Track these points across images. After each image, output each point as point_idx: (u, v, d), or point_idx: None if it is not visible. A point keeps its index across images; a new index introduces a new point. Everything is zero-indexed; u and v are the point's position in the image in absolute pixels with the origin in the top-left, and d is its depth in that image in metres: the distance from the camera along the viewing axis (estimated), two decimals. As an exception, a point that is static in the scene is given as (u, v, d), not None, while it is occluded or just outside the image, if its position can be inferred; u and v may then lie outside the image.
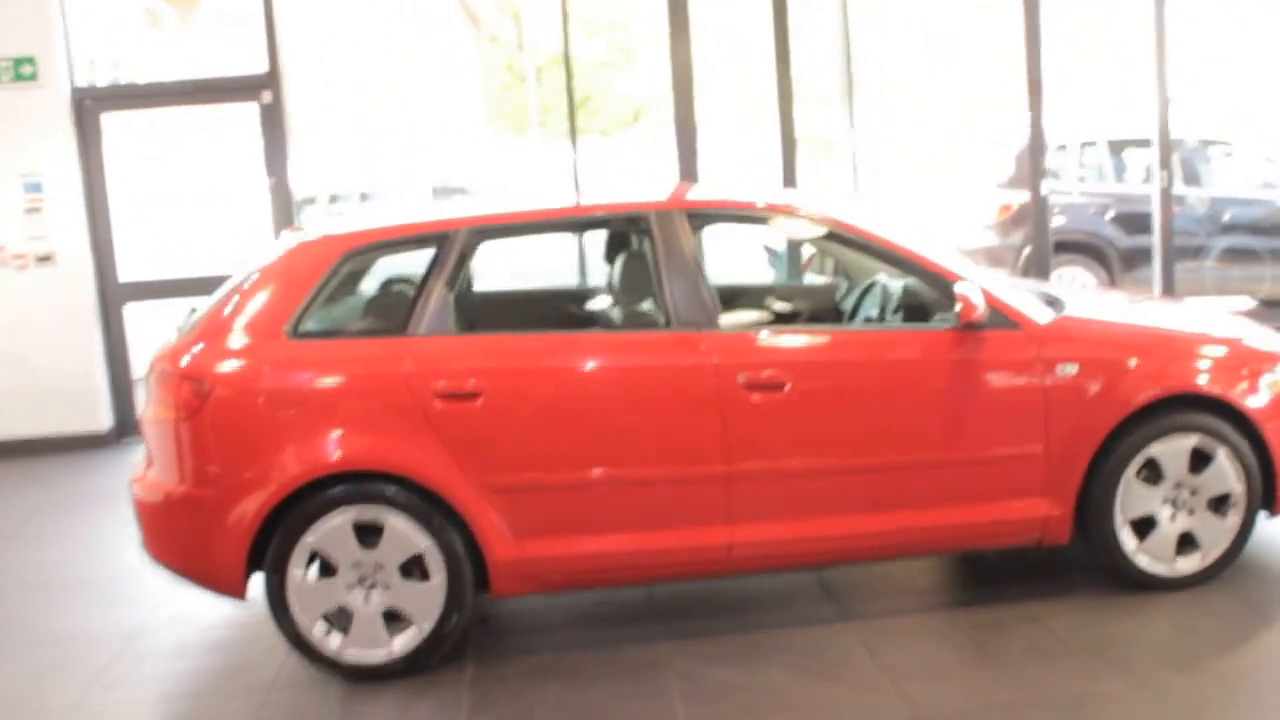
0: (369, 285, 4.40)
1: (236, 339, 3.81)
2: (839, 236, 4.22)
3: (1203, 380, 4.02)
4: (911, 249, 4.08)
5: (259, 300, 3.86)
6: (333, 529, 3.74)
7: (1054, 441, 3.94)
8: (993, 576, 4.37)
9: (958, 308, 3.86)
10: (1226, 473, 4.04)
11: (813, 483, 3.91)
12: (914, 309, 4.19)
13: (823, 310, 4.91)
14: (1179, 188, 8.71)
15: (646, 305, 4.09)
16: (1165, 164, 8.17)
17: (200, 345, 3.83)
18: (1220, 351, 4.11)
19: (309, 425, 3.73)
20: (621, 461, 3.84)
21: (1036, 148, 7.90)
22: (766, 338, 3.97)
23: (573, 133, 7.94)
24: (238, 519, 3.73)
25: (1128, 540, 4.03)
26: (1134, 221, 8.99)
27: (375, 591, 3.77)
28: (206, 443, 3.76)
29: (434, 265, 3.92)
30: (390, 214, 4.56)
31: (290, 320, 3.81)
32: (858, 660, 3.71)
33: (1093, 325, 4.16)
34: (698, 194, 4.46)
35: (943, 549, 4.23)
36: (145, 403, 3.99)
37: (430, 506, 3.75)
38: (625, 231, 4.46)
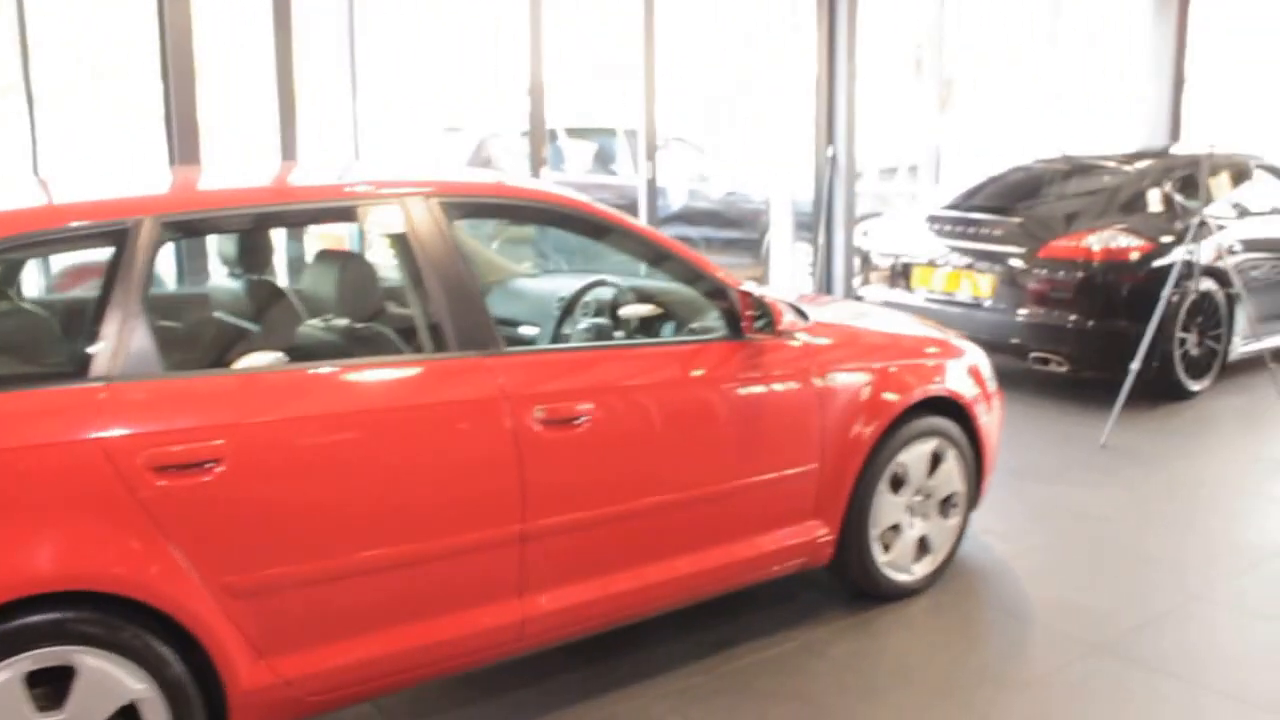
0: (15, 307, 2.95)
1: None
2: (606, 229, 3.58)
3: (944, 382, 4.07)
4: (681, 247, 3.63)
5: None
6: (-6, 693, 2.41)
7: (828, 456, 3.74)
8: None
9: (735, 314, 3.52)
10: (954, 474, 4.15)
11: (617, 530, 3.31)
12: (663, 318, 3.75)
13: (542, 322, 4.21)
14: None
15: (412, 323, 3.19)
16: (650, 155, 8.43)
17: None
18: (938, 352, 4.19)
19: None
20: (395, 533, 2.93)
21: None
22: (557, 359, 3.28)
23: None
24: None
25: (879, 553, 3.98)
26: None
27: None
28: None
29: (116, 273, 2.69)
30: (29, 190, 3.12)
31: None
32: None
33: (847, 332, 4.02)
34: (440, 177, 3.43)
35: (737, 582, 3.74)
36: None
37: (145, 632, 2.57)
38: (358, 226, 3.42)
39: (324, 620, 2.85)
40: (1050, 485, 5.29)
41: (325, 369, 2.94)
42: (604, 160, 9.51)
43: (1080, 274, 6.24)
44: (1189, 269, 6.09)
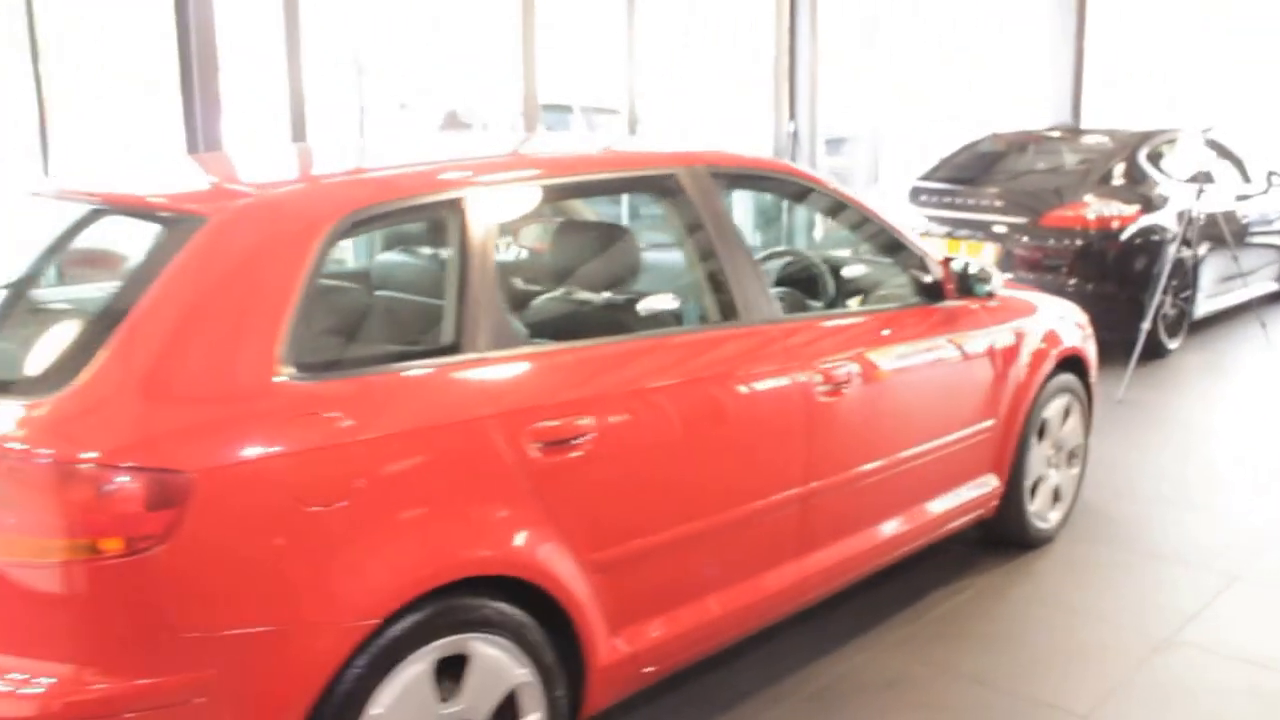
0: (365, 276, 2.73)
1: (195, 390, 2.14)
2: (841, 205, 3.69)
3: (1073, 341, 4.33)
4: (891, 223, 3.75)
5: (202, 311, 2.20)
6: (409, 684, 2.31)
7: (1003, 412, 3.95)
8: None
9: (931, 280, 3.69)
10: (1078, 426, 4.43)
11: (866, 489, 3.41)
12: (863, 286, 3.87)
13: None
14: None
15: (719, 291, 3.15)
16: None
17: (124, 410, 2.07)
18: (1064, 312, 4.45)
19: (362, 523, 2.24)
20: (720, 501, 2.96)
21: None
22: (832, 326, 3.35)
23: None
24: (272, 706, 2.14)
25: (1028, 502, 4.22)
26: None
27: (455, 766, 2.43)
28: (193, 589, 2.06)
29: (469, 246, 2.59)
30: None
31: (280, 344, 2.24)
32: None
33: (1012, 297, 4.19)
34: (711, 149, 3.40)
35: (941, 533, 3.90)
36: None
37: (529, 616, 2.51)
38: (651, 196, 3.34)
39: (660, 592, 2.85)
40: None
41: (659, 339, 2.95)
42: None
43: (1079, 241, 6.68)
44: (1188, 233, 6.64)
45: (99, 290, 2.48)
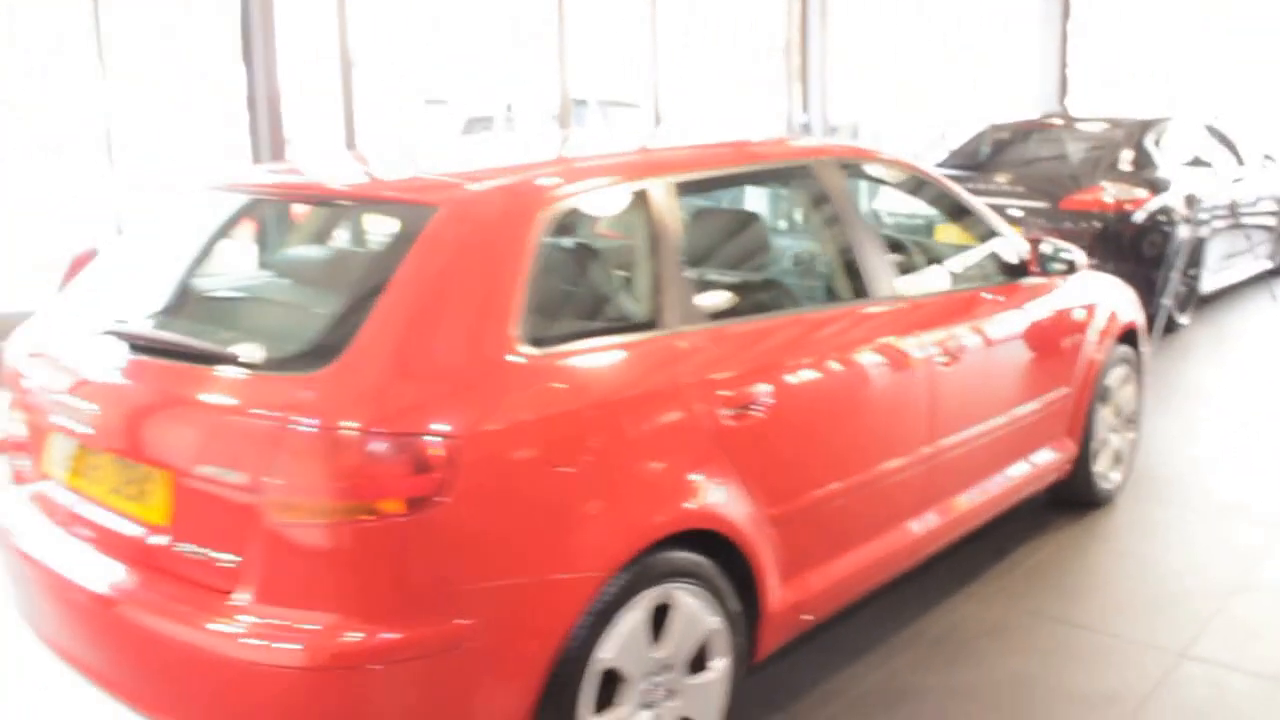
0: (575, 258, 2.96)
1: (444, 363, 2.36)
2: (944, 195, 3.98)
3: (1132, 313, 4.64)
4: (983, 207, 4.04)
5: (445, 292, 2.42)
6: (630, 630, 2.55)
7: (1077, 379, 4.25)
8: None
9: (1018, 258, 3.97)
10: (1134, 393, 4.74)
11: (971, 452, 3.69)
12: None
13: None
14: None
15: (858, 271, 3.42)
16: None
17: (389, 383, 2.29)
18: (1122, 286, 4.76)
19: (595, 482, 2.48)
20: (869, 459, 3.24)
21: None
22: (943, 302, 3.62)
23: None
24: (520, 653, 2.36)
25: (1095, 464, 4.52)
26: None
27: (664, 706, 2.67)
28: (458, 545, 2.29)
29: (653, 230, 2.83)
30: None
31: (514, 321, 2.46)
32: None
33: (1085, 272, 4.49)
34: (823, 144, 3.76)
35: (1027, 495, 4.19)
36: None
37: (719, 566, 2.76)
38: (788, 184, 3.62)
39: (818, 544, 3.11)
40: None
41: (819, 313, 3.24)
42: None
43: (1097, 223, 7.03)
44: (1202, 214, 7.02)
45: (340, 276, 2.70)
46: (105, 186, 5.57)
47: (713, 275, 3.21)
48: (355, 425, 2.22)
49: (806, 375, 3.01)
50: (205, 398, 2.40)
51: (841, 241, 3.35)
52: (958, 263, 3.96)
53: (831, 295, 3.42)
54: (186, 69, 6.70)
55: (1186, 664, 3.43)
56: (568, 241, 2.81)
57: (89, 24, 5.35)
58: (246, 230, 2.97)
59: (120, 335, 2.66)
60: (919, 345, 3.38)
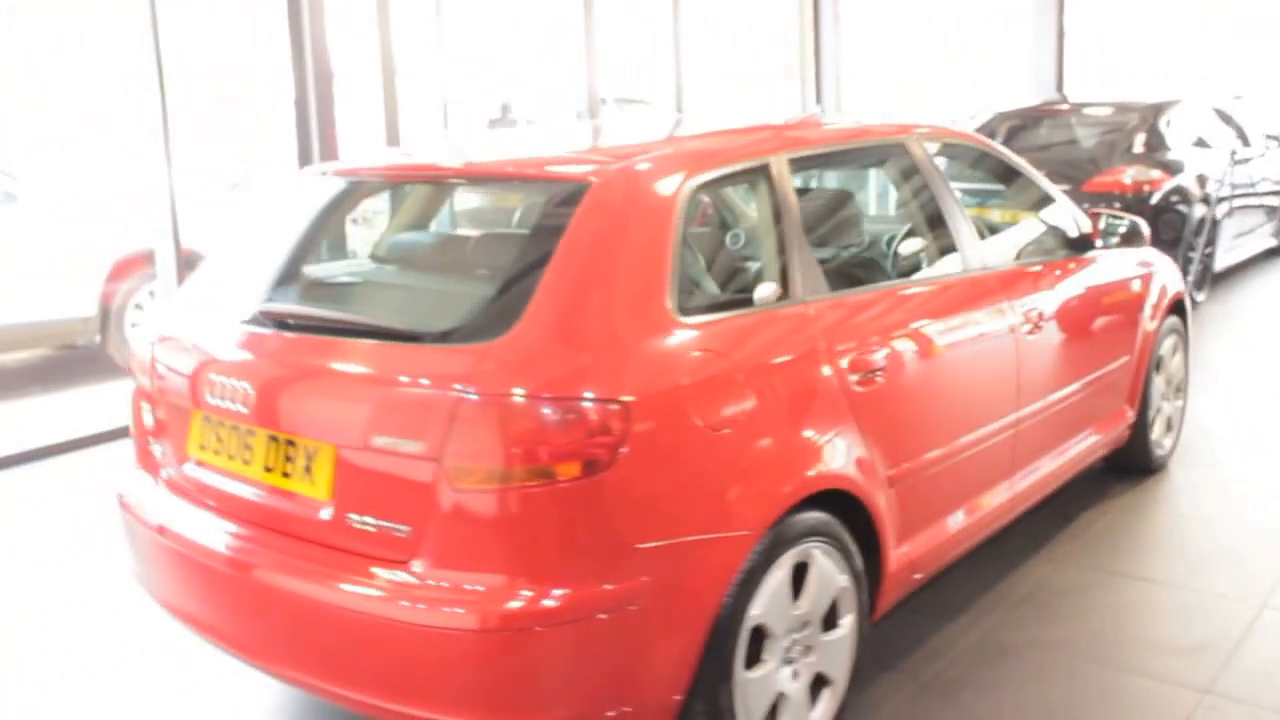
0: (715, 230, 3.05)
1: (607, 332, 2.46)
2: (1015, 172, 4.13)
3: (1180, 286, 4.80)
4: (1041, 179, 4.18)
5: (606, 264, 2.52)
6: (776, 587, 2.66)
7: (1135, 348, 4.40)
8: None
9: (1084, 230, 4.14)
10: (1182, 362, 4.90)
11: (1050, 418, 3.83)
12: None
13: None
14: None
15: (951, 244, 3.55)
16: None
17: (563, 348, 2.40)
18: (1168, 261, 4.92)
19: (749, 444, 2.59)
20: (968, 423, 3.38)
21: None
22: (1024, 273, 3.75)
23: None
24: (685, 611, 2.47)
25: (1151, 431, 4.68)
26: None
27: (802, 662, 2.78)
28: (629, 506, 2.39)
29: (779, 203, 2.95)
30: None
31: (668, 290, 2.56)
32: None
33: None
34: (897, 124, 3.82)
35: (1092, 462, 4.34)
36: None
37: (845, 527, 2.87)
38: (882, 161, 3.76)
39: (929, 505, 3.24)
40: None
41: (923, 284, 3.38)
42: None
43: (1118, 204, 7.20)
44: (1215, 194, 7.21)
45: (497, 251, 2.79)
46: (158, 187, 5.62)
47: (828, 248, 3.33)
48: (536, 392, 2.30)
49: (919, 343, 3.14)
50: (379, 372, 2.48)
51: (937, 215, 3.49)
52: (1028, 235, 4.09)
53: (931, 267, 3.55)
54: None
55: (1269, 613, 3.58)
56: (709, 214, 2.92)
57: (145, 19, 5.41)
58: (377, 211, 3.06)
59: (276, 316, 2.74)
60: (1010, 314, 3.52)
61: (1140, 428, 4.57)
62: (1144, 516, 4.41)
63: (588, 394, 2.34)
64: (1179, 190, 7.42)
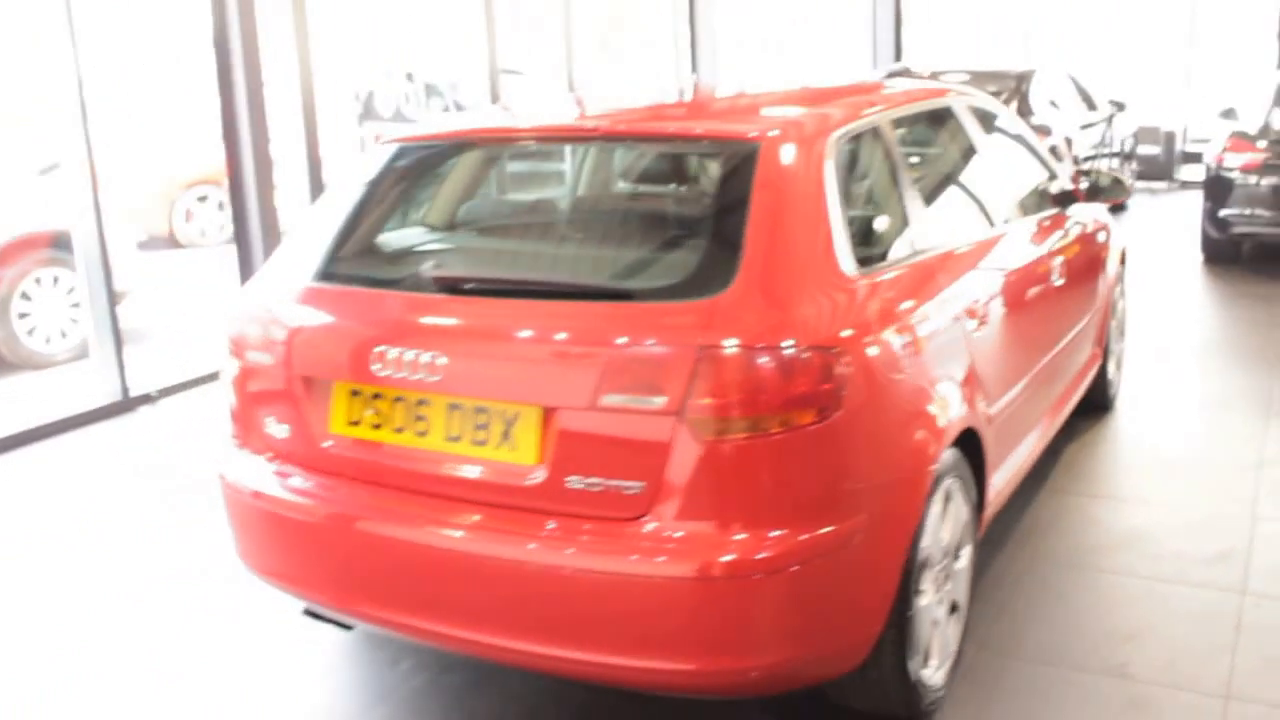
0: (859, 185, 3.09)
1: (819, 281, 2.55)
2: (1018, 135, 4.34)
3: (1121, 238, 5.24)
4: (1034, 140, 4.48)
5: (796, 220, 2.59)
6: (935, 520, 2.82)
7: (1101, 297, 4.78)
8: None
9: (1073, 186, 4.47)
10: (1127, 307, 5.37)
11: (1068, 351, 4.18)
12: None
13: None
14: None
15: (999, 198, 3.76)
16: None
17: (787, 301, 2.46)
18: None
19: (926, 386, 2.77)
20: (1032, 361, 3.66)
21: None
22: (1039, 226, 4.02)
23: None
24: (892, 545, 2.60)
25: (1109, 369, 5.11)
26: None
27: (943, 590, 2.96)
28: (852, 448, 2.49)
29: (893, 162, 3.10)
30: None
31: (847, 244, 2.66)
32: None
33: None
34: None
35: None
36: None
37: (966, 462, 3.06)
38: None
39: (1006, 441, 3.45)
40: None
41: (994, 235, 3.57)
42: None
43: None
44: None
45: (682, 210, 2.79)
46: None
47: (925, 204, 3.49)
48: (779, 342, 2.36)
49: (1005, 288, 3.36)
50: (601, 332, 2.43)
51: (986, 171, 3.72)
52: (1036, 191, 4.40)
53: (990, 220, 3.71)
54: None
55: (1263, 524, 4.01)
56: (855, 169, 3.01)
57: None
58: (520, 175, 2.99)
59: (451, 280, 2.67)
60: (1051, 261, 3.80)
61: (1102, 368, 4.98)
62: (1112, 447, 4.81)
63: (822, 342, 2.41)
64: (1052, 151, 8.02)
